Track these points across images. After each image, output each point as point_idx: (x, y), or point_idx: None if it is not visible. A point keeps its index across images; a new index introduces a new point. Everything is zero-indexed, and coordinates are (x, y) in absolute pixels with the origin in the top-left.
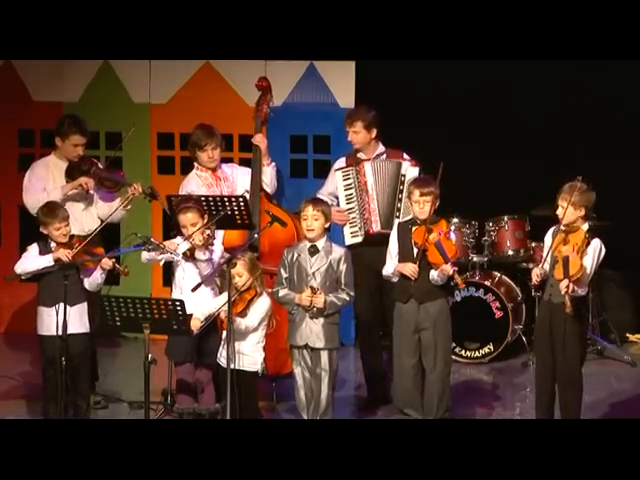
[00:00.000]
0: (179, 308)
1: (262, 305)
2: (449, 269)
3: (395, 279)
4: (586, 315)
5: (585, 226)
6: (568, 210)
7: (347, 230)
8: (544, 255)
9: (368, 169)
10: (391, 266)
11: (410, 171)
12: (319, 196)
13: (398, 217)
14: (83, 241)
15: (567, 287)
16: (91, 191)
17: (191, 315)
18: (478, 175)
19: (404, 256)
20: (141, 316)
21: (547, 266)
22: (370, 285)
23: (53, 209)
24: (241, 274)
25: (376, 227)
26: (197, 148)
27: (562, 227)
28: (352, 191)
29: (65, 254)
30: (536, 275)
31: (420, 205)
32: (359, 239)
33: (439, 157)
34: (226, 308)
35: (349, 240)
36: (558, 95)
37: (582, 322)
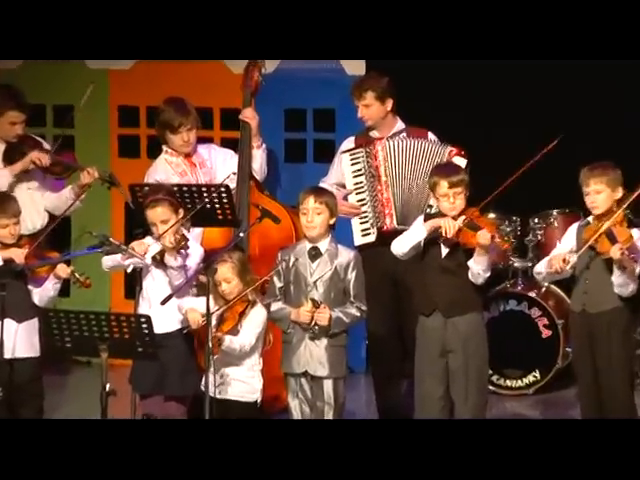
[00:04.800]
0: (145, 326)
1: (257, 317)
2: (486, 235)
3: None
4: (636, 324)
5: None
6: (604, 194)
7: (357, 227)
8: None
9: (381, 149)
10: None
11: (457, 161)
12: (322, 185)
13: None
14: (34, 241)
15: (621, 249)
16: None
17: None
18: (518, 159)
19: (428, 254)
20: (97, 335)
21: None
22: (386, 296)
23: (1, 201)
24: (229, 279)
25: (391, 223)
26: (168, 130)
27: (592, 218)
28: (362, 178)
29: (19, 254)
30: (562, 260)
31: (450, 199)
32: (371, 238)
33: (467, 136)
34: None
35: (359, 240)
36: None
37: (630, 336)
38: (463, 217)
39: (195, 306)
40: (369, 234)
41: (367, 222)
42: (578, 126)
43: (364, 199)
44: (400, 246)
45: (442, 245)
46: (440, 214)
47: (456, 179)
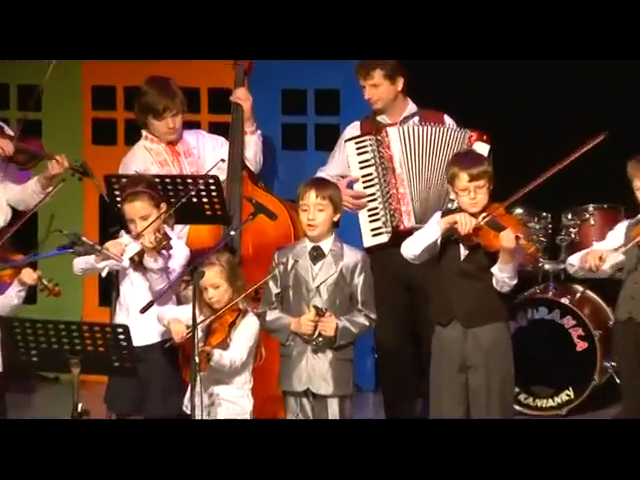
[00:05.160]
0: (122, 337)
1: (249, 328)
2: (510, 236)
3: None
4: None
5: None
6: None
7: (366, 226)
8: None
9: (394, 137)
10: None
11: (478, 148)
12: (322, 175)
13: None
14: None
15: None
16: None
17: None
18: (551, 144)
19: (445, 256)
20: (68, 348)
21: (606, 266)
22: (398, 303)
23: None
24: (217, 285)
25: (409, 221)
26: (151, 114)
27: None
28: (371, 170)
29: None
30: (599, 258)
31: (471, 194)
32: (383, 238)
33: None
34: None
35: (370, 240)
36: None
37: None
38: (483, 214)
39: (179, 316)
40: (381, 234)
41: (378, 220)
42: (618, 116)
43: (374, 194)
44: (412, 247)
45: (461, 246)
46: (460, 211)
47: (477, 171)
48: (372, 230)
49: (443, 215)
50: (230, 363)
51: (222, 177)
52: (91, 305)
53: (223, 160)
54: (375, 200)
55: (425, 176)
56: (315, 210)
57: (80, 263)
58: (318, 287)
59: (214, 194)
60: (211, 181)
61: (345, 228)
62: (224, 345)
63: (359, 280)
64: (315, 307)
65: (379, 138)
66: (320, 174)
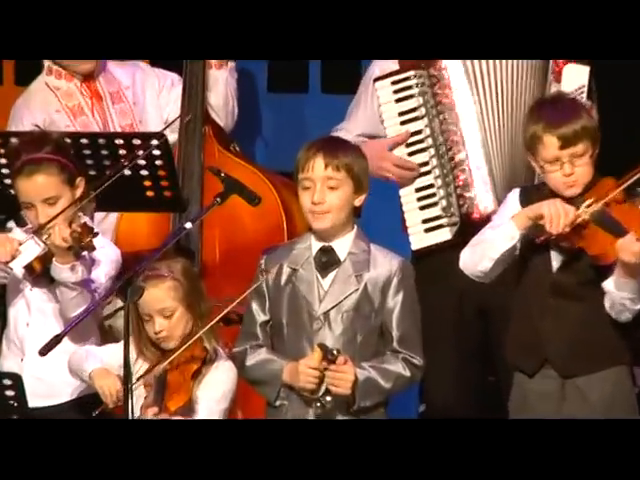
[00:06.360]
0: (10, 393)
1: (222, 381)
2: (632, 245)
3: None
4: None
5: None
6: None
7: (414, 216)
8: None
9: (457, 72)
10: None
11: (571, 75)
12: (337, 134)
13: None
14: None
15: None
16: None
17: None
18: None
19: (529, 267)
20: None
21: None
22: (468, 338)
23: None
24: (169, 311)
25: (489, 204)
26: None
27: None
28: (420, 125)
29: None
30: None
31: (565, 168)
32: (444, 235)
33: None
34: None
35: (420, 238)
36: None
37: None
38: (588, 202)
39: (107, 363)
40: (440, 227)
41: (435, 205)
42: None
43: (426, 163)
44: (477, 260)
45: (552, 251)
46: (548, 196)
47: (573, 130)
48: (425, 222)
49: (523, 197)
50: None
51: (172, 137)
52: None
53: (182, 117)
54: (429, 173)
55: (506, 132)
56: (324, 188)
57: None
58: (327, 313)
59: (158, 164)
60: (154, 143)
61: (374, 218)
62: (188, 410)
63: (395, 303)
64: (322, 347)
65: (433, 74)
66: (335, 133)
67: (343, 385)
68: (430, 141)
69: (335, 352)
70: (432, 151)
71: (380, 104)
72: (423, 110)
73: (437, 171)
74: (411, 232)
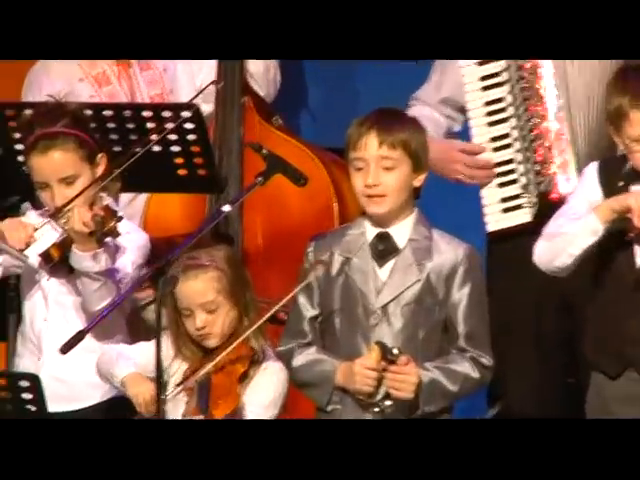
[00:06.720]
0: (27, 396)
1: (273, 384)
2: None
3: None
4: None
5: None
6: None
7: (491, 193)
8: None
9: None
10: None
11: None
12: (413, 108)
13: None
14: None
15: None
16: None
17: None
18: None
19: (612, 262)
20: None
21: None
22: (547, 333)
23: None
24: (212, 305)
25: (569, 184)
26: None
27: None
28: (504, 92)
29: None
30: None
31: None
32: (524, 217)
33: None
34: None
35: (499, 219)
36: None
37: None
38: None
39: (142, 365)
40: (519, 207)
41: (514, 182)
42: None
43: (507, 135)
44: (554, 256)
45: (636, 245)
46: (627, 171)
47: None
48: (503, 201)
49: (602, 172)
50: None
51: (207, 107)
52: None
53: (216, 82)
54: (509, 147)
55: (592, 109)
56: (379, 169)
57: None
58: (385, 307)
59: (191, 138)
60: (186, 115)
61: (434, 199)
62: (234, 415)
63: (461, 296)
64: (380, 345)
65: (526, 66)
66: (413, 108)
67: (405, 388)
68: (511, 110)
69: (396, 351)
70: (513, 121)
71: (467, 89)
72: (505, 75)
73: (518, 144)
74: (488, 212)
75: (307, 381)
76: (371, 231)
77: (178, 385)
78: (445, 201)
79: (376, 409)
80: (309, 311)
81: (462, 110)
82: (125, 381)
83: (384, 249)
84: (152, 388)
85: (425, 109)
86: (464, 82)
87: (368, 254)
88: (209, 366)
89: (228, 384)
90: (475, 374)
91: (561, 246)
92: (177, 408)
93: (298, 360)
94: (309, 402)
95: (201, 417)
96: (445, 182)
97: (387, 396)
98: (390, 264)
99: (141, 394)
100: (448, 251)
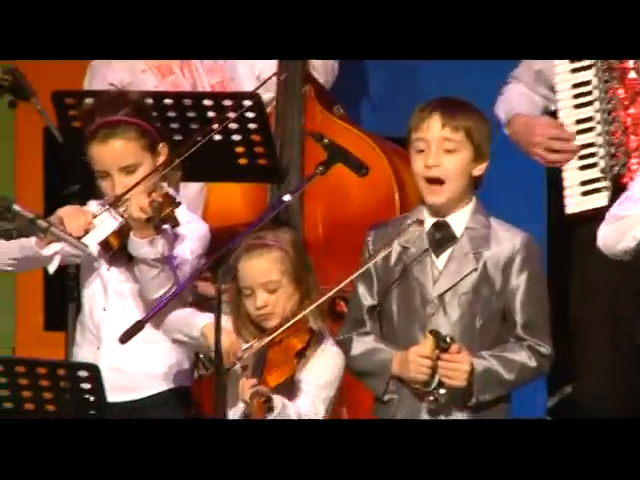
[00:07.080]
0: (87, 386)
1: (329, 365)
2: None
3: None
4: None
5: None
6: None
7: (571, 175)
8: None
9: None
10: None
11: None
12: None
13: None
14: None
15: None
16: None
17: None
18: None
19: None
20: None
21: None
22: (616, 320)
23: None
24: (274, 285)
25: None
26: None
27: None
28: (590, 75)
29: None
30: None
31: None
32: (601, 200)
33: None
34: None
35: (576, 202)
36: None
37: None
38: None
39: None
40: (597, 190)
41: (595, 166)
42: None
43: (590, 118)
44: (618, 238)
45: None
46: None
47: None
48: (584, 184)
49: None
50: (297, 418)
51: (268, 96)
52: (30, 328)
53: (277, 74)
54: (591, 130)
55: None
56: (440, 150)
57: (11, 251)
58: (442, 296)
59: (252, 127)
60: (247, 103)
61: (495, 189)
62: (288, 388)
63: (519, 284)
64: (434, 333)
65: (614, 67)
66: (509, 88)
67: (457, 377)
68: (597, 93)
69: (448, 339)
70: (597, 105)
71: (559, 91)
72: (597, 95)
73: (599, 127)
74: (568, 194)
75: (365, 370)
76: (429, 220)
77: (239, 358)
78: (506, 192)
79: (431, 398)
80: (368, 300)
81: (554, 89)
82: (206, 330)
83: (441, 237)
84: (233, 338)
85: (521, 86)
86: (554, 63)
87: (425, 243)
88: (267, 339)
89: (284, 357)
90: (532, 363)
91: (626, 229)
92: (233, 386)
93: (356, 349)
94: (367, 393)
95: (254, 381)
96: (506, 173)
97: (441, 384)
98: (447, 253)
99: (225, 341)
100: (506, 240)
